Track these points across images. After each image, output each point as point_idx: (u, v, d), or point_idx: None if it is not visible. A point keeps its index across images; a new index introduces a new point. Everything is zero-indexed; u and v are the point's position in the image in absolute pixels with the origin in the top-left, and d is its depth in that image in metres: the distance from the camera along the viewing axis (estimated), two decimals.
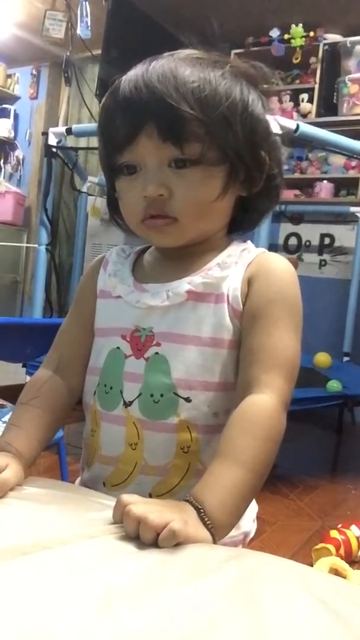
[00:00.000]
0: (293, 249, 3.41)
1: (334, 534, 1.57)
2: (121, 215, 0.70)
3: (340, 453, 2.42)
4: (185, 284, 0.66)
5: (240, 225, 0.73)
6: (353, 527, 1.61)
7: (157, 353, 0.66)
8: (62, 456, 1.58)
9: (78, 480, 0.73)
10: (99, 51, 3.15)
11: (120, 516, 0.49)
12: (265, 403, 0.60)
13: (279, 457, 0.61)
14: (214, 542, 0.51)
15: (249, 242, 0.72)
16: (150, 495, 0.64)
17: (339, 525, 1.63)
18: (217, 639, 0.32)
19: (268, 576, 0.42)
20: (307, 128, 1.79)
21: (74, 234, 3.44)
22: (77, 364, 0.73)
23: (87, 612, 0.34)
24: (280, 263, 0.68)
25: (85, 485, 0.70)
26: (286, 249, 3.39)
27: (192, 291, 0.66)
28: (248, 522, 0.71)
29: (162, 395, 0.65)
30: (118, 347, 0.68)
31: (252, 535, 0.73)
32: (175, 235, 0.66)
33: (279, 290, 0.66)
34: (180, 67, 0.62)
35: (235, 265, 0.67)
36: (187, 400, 0.65)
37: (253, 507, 0.72)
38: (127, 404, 0.66)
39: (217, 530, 0.52)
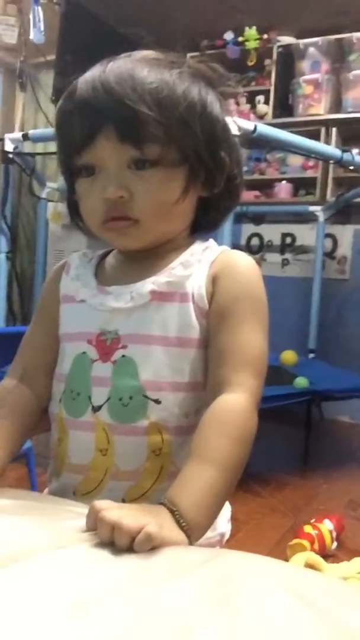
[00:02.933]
0: (255, 249, 3.44)
1: (307, 529, 1.59)
2: (82, 218, 0.69)
3: (310, 448, 2.45)
4: (148, 284, 0.65)
5: (202, 225, 0.73)
6: (326, 521, 1.63)
7: (123, 356, 0.65)
8: (31, 467, 1.55)
9: (46, 491, 0.72)
10: (53, 56, 3.12)
11: (94, 523, 0.48)
12: (236, 402, 0.61)
13: (250, 456, 0.61)
14: (190, 543, 0.50)
15: (211, 240, 0.72)
16: (123, 501, 0.63)
17: (312, 520, 1.65)
18: None
19: (246, 575, 0.41)
20: (264, 129, 1.81)
21: (34, 241, 3.39)
22: (42, 371, 0.72)
23: (58, 621, 0.33)
24: (243, 260, 0.68)
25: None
26: (249, 249, 3.42)
27: (156, 291, 0.65)
28: (223, 523, 0.71)
29: (131, 398, 0.64)
30: (84, 352, 0.67)
31: (228, 535, 0.73)
32: (137, 237, 0.65)
33: (244, 288, 0.66)
34: (137, 67, 0.62)
35: (199, 263, 0.67)
36: (157, 402, 0.64)
37: (227, 508, 0.72)
38: (95, 409, 0.65)
39: (193, 532, 0.51)
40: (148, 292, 0.65)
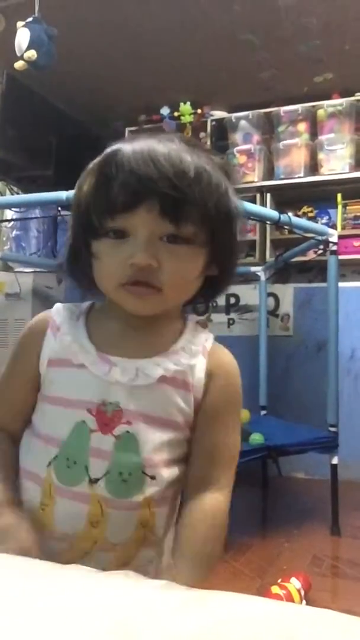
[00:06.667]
0: (201, 310, 3.49)
1: (275, 589, 1.54)
2: (81, 271, 0.70)
3: (269, 507, 2.42)
4: (158, 368, 0.67)
5: (194, 300, 0.75)
6: (293, 580, 1.59)
7: (128, 432, 0.66)
8: None
9: None
10: None
11: None
12: (222, 504, 0.69)
13: None
14: None
15: (207, 330, 0.75)
16: (104, 569, 0.62)
17: (279, 580, 1.60)
18: None
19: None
20: None
21: None
22: (21, 421, 0.73)
23: None
24: (233, 362, 0.74)
25: None
26: (195, 310, 3.47)
27: (164, 376, 0.67)
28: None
29: (130, 474, 0.65)
30: (83, 421, 0.66)
31: None
32: (155, 304, 0.66)
33: (235, 391, 0.73)
34: (182, 151, 0.64)
35: (200, 354, 0.70)
36: (153, 478, 0.67)
37: None
38: (92, 481, 0.65)
39: None
40: (157, 375, 0.67)
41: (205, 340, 0.72)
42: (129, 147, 0.65)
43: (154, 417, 0.67)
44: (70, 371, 0.69)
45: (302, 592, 1.57)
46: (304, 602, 1.56)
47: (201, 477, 0.70)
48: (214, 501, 0.68)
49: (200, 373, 0.69)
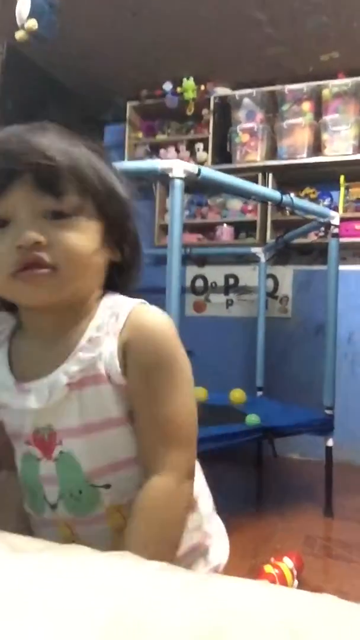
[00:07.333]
0: (200, 291, 3.48)
1: (268, 569, 1.56)
2: None
3: (263, 487, 2.44)
4: (62, 377, 0.62)
5: (114, 289, 0.71)
6: (286, 559, 1.61)
7: (61, 452, 0.64)
8: None
9: None
10: None
11: None
12: (164, 486, 0.61)
13: None
14: None
15: (117, 297, 0.69)
16: None
17: (272, 559, 1.62)
18: None
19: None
20: (208, 172, 1.86)
21: None
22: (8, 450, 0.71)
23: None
24: (154, 320, 0.66)
25: None
26: (193, 291, 3.47)
27: (71, 382, 0.63)
28: (217, 554, 0.71)
29: (80, 492, 0.64)
30: (29, 452, 0.67)
31: (224, 564, 0.73)
32: (53, 288, 0.61)
33: (160, 350, 0.64)
34: (54, 136, 0.62)
35: (107, 336, 0.64)
36: (107, 487, 0.64)
37: (219, 535, 0.71)
38: (52, 507, 0.65)
39: None
40: (63, 385, 0.62)
41: (110, 317, 0.65)
42: (2, 134, 0.62)
43: (85, 426, 0.63)
44: (3, 410, 0.67)
45: (295, 572, 1.59)
46: (296, 581, 1.58)
47: (142, 461, 0.64)
48: (160, 486, 0.61)
49: (110, 358, 0.63)
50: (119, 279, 0.69)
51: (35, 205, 0.60)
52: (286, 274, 3.35)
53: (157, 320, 0.66)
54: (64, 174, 0.60)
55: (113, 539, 0.64)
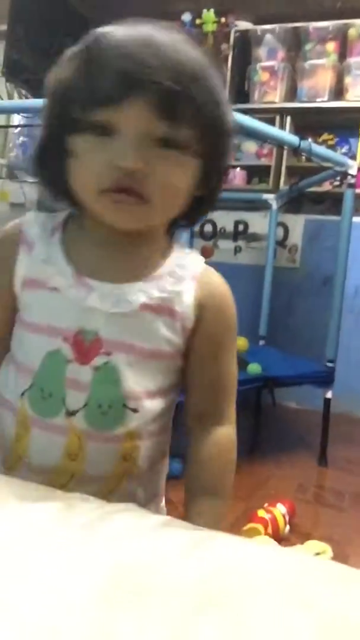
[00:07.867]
0: (208, 236, 3.43)
1: (261, 513, 1.60)
2: (53, 175, 0.61)
3: (261, 434, 2.48)
4: (140, 295, 0.62)
5: (178, 222, 0.69)
6: (279, 505, 1.65)
7: (106, 363, 0.61)
8: None
9: None
10: (4, 26, 2.99)
11: None
12: (232, 436, 0.69)
13: None
14: None
15: (179, 252, 0.68)
16: None
17: (265, 505, 1.66)
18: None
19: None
20: None
21: None
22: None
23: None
24: (226, 287, 0.69)
25: None
26: (202, 236, 3.41)
27: (147, 304, 0.62)
28: None
29: (110, 407, 0.62)
30: (58, 350, 0.62)
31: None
32: (140, 217, 0.59)
33: (230, 318, 0.68)
34: (185, 43, 0.57)
35: (187, 278, 0.65)
36: (135, 410, 0.63)
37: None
38: (69, 413, 0.62)
39: None
40: (139, 303, 0.62)
41: (194, 264, 0.66)
42: (122, 30, 0.56)
43: (137, 347, 0.62)
44: (45, 295, 0.63)
45: (287, 518, 1.63)
46: (287, 527, 1.63)
47: (207, 410, 0.68)
48: (226, 435, 0.69)
49: (188, 300, 0.63)
50: (192, 213, 0.67)
51: (149, 126, 0.55)
52: (297, 223, 3.28)
53: (226, 288, 0.69)
54: (188, 101, 0.55)
55: (118, 464, 0.63)
